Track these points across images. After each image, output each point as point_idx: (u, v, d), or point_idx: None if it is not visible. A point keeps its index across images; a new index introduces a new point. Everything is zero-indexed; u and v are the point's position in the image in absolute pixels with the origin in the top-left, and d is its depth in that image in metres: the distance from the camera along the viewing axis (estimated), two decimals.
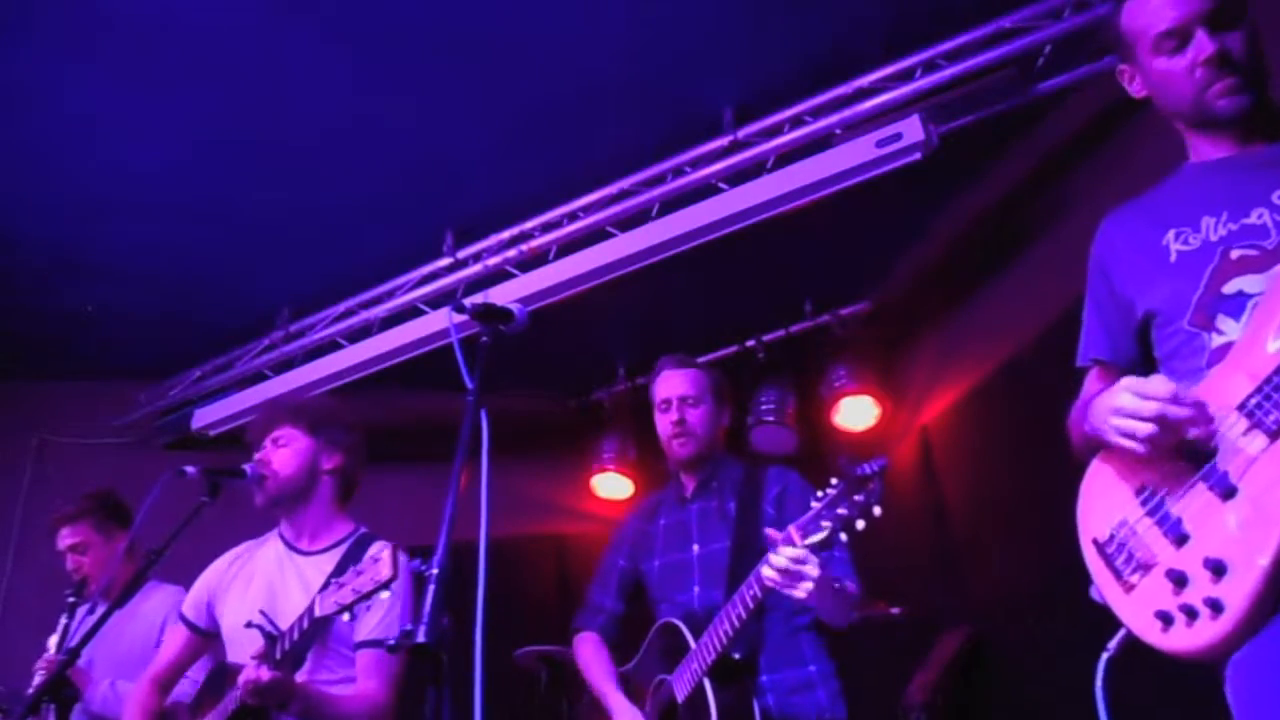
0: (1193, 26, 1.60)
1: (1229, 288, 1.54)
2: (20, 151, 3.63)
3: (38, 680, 2.91)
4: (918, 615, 3.88)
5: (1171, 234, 1.64)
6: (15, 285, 4.31)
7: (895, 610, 3.82)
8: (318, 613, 2.09)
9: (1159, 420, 1.42)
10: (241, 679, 2.15)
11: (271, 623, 2.26)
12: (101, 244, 4.12)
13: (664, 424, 2.77)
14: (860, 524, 1.96)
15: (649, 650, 2.63)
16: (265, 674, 2.12)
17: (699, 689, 2.34)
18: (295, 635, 2.17)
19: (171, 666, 2.66)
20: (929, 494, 4.40)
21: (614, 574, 2.82)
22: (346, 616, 2.03)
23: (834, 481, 2.00)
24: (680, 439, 2.71)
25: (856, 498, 1.95)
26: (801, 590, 2.07)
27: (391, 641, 1.52)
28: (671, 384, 2.78)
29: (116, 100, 3.43)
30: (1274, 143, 1.64)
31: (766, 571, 2.10)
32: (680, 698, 2.41)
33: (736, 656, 2.36)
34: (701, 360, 5.06)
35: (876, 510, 1.94)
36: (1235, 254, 1.55)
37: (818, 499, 2.02)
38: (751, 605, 2.21)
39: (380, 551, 1.95)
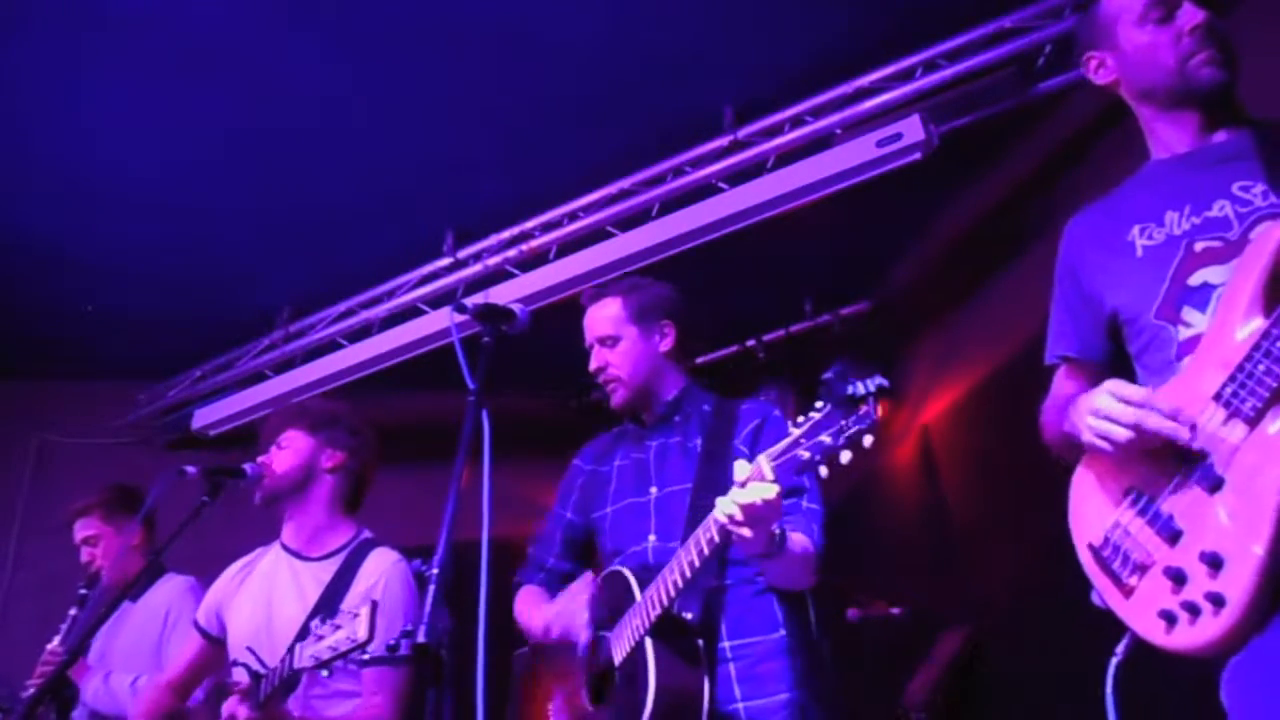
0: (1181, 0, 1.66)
1: (1194, 279, 1.55)
2: (20, 151, 3.63)
3: (39, 674, 2.91)
4: (918, 615, 3.88)
5: (1136, 229, 1.66)
6: (15, 285, 4.30)
7: (895, 610, 3.82)
8: (296, 664, 2.02)
9: (1135, 427, 1.43)
10: (223, 715, 2.12)
11: (259, 660, 2.22)
12: (101, 244, 4.12)
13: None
14: (846, 456, 1.63)
15: (590, 604, 2.26)
16: (243, 713, 2.09)
17: (638, 649, 1.95)
18: (276, 681, 2.12)
19: (186, 672, 2.63)
20: (929, 494, 4.40)
21: (559, 529, 2.44)
22: (325, 673, 1.96)
23: (818, 405, 1.66)
24: (608, 386, 2.37)
25: (845, 423, 1.61)
26: (759, 533, 1.76)
27: (391, 641, 1.51)
28: (589, 326, 2.42)
29: (116, 100, 3.43)
30: (1235, 133, 1.66)
31: (726, 508, 1.73)
32: (617, 659, 2.02)
33: (688, 616, 2.00)
34: (701, 361, 5.16)
35: (868, 439, 1.62)
36: (1199, 246, 1.56)
37: (797, 424, 1.67)
38: (707, 552, 1.84)
39: (361, 608, 1.87)
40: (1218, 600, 1.34)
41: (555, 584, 2.39)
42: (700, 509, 2.02)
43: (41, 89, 3.36)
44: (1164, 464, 1.46)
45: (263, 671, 2.17)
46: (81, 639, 2.55)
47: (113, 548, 3.24)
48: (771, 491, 1.68)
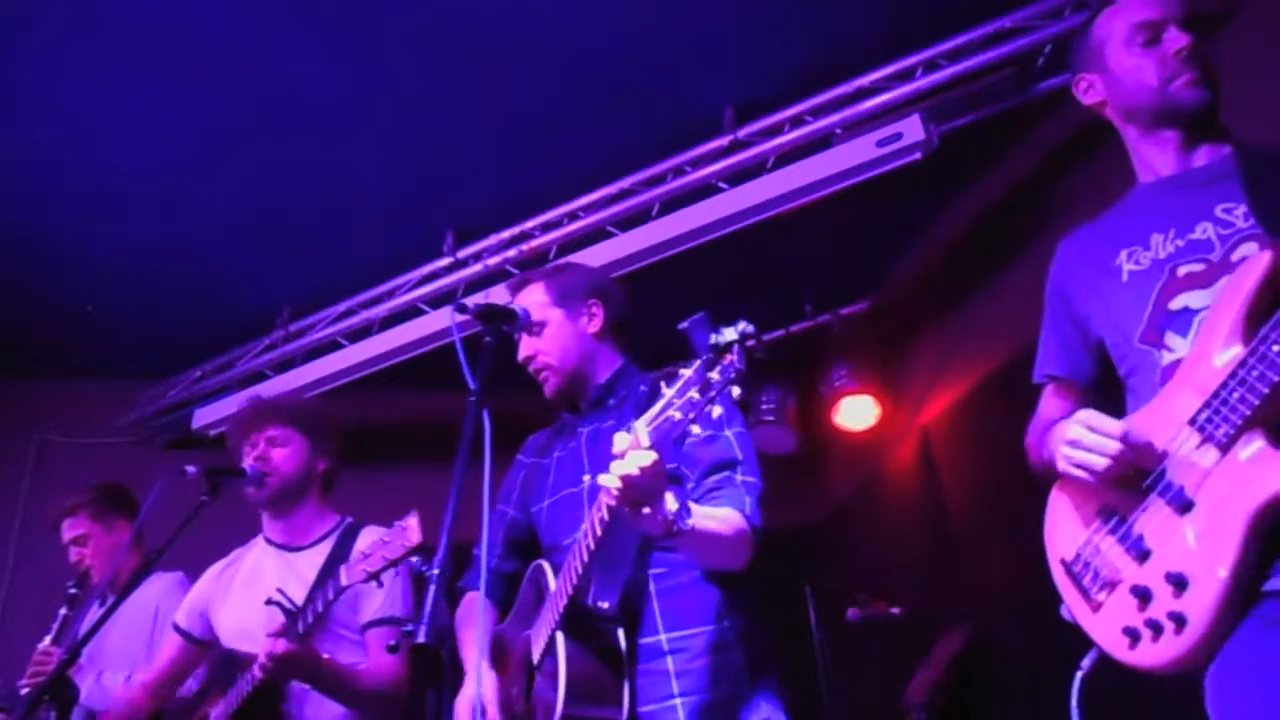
0: (1169, 23, 1.70)
1: (1175, 304, 1.58)
2: (21, 150, 3.63)
3: (31, 674, 2.91)
4: (918, 615, 3.87)
5: (1124, 254, 1.69)
6: (15, 285, 4.30)
7: (895, 610, 3.82)
8: (344, 582, 2.09)
9: (1116, 459, 1.48)
10: (262, 651, 2.17)
11: (289, 599, 2.27)
12: (101, 244, 4.12)
13: None
14: (717, 411, 1.54)
15: (520, 602, 2.18)
16: (282, 645, 2.15)
17: (551, 644, 1.86)
18: (320, 607, 2.18)
19: (166, 673, 2.68)
20: (929, 494, 4.39)
21: (500, 526, 2.33)
22: (376, 584, 2.03)
23: (690, 362, 1.55)
24: (539, 376, 2.27)
25: (710, 375, 1.50)
26: (648, 509, 1.65)
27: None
28: None
29: (117, 99, 3.43)
30: (1218, 155, 1.68)
31: (608, 482, 1.62)
32: (535, 657, 1.94)
33: (604, 605, 1.90)
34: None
35: (735, 391, 1.52)
36: (1182, 270, 1.59)
37: (670, 385, 1.56)
38: (599, 532, 1.74)
39: (408, 519, 1.93)
40: (1180, 620, 1.37)
41: (499, 586, 2.30)
42: None
43: (42, 88, 3.36)
44: (1138, 485, 1.49)
45: (294, 608, 2.21)
46: (80, 641, 2.55)
47: (102, 546, 3.24)
48: (649, 458, 1.56)
